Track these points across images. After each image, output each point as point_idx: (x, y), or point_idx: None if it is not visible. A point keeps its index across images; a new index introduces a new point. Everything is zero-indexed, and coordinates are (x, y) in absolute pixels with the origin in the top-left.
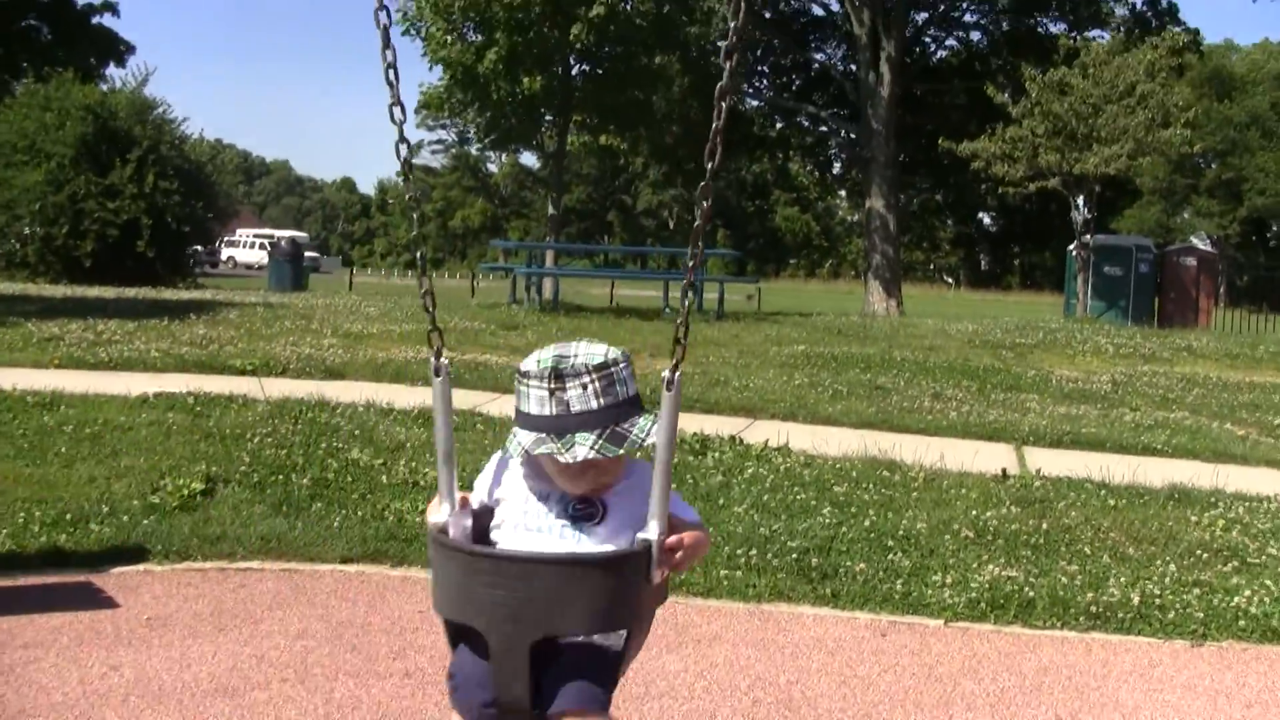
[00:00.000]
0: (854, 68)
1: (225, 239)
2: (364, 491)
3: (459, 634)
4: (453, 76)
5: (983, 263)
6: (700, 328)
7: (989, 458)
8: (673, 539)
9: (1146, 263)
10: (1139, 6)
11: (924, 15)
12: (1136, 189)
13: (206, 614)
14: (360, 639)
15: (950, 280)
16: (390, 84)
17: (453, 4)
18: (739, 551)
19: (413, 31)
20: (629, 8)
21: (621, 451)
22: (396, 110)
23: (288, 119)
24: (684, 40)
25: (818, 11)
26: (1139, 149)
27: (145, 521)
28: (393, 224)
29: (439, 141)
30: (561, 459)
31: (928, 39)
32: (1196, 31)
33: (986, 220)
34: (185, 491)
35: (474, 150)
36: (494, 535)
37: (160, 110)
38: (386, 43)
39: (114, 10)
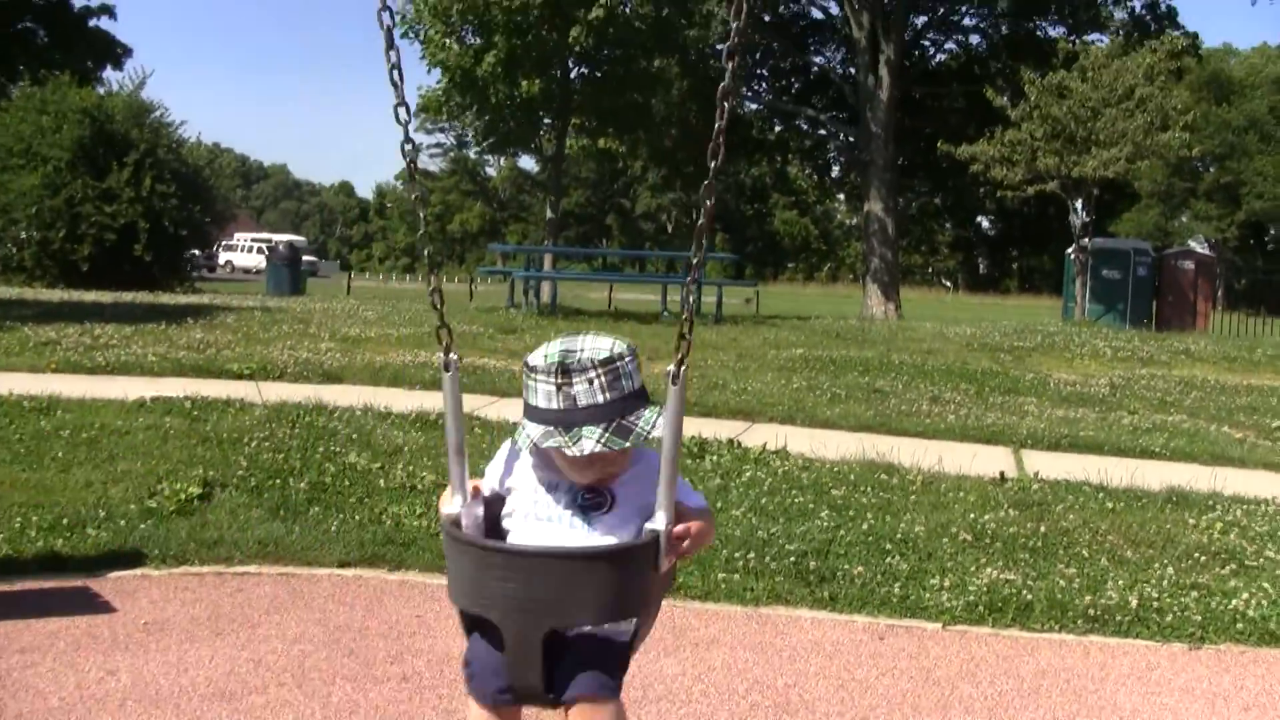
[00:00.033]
0: (853, 71)
1: (223, 243)
2: (361, 495)
3: (474, 623)
4: (451, 80)
5: (981, 266)
6: (698, 331)
7: (987, 461)
8: (679, 528)
9: (1145, 266)
10: (1138, 10)
11: (923, 19)
12: (1135, 192)
13: (203, 618)
14: (358, 643)
15: (948, 284)
16: (395, 85)
17: (451, 7)
18: (737, 555)
19: (411, 34)
20: (628, 10)
21: (627, 445)
22: (401, 111)
23: (286, 123)
24: (683, 43)
25: (817, 15)
26: (1137, 152)
27: (142, 526)
28: (391, 228)
29: (437, 145)
30: (569, 452)
31: (927, 42)
32: (1195, 35)
33: (985, 224)
34: (182, 496)
35: (472, 154)
36: (505, 524)
37: (157, 113)
38: (390, 44)
39: (111, 13)
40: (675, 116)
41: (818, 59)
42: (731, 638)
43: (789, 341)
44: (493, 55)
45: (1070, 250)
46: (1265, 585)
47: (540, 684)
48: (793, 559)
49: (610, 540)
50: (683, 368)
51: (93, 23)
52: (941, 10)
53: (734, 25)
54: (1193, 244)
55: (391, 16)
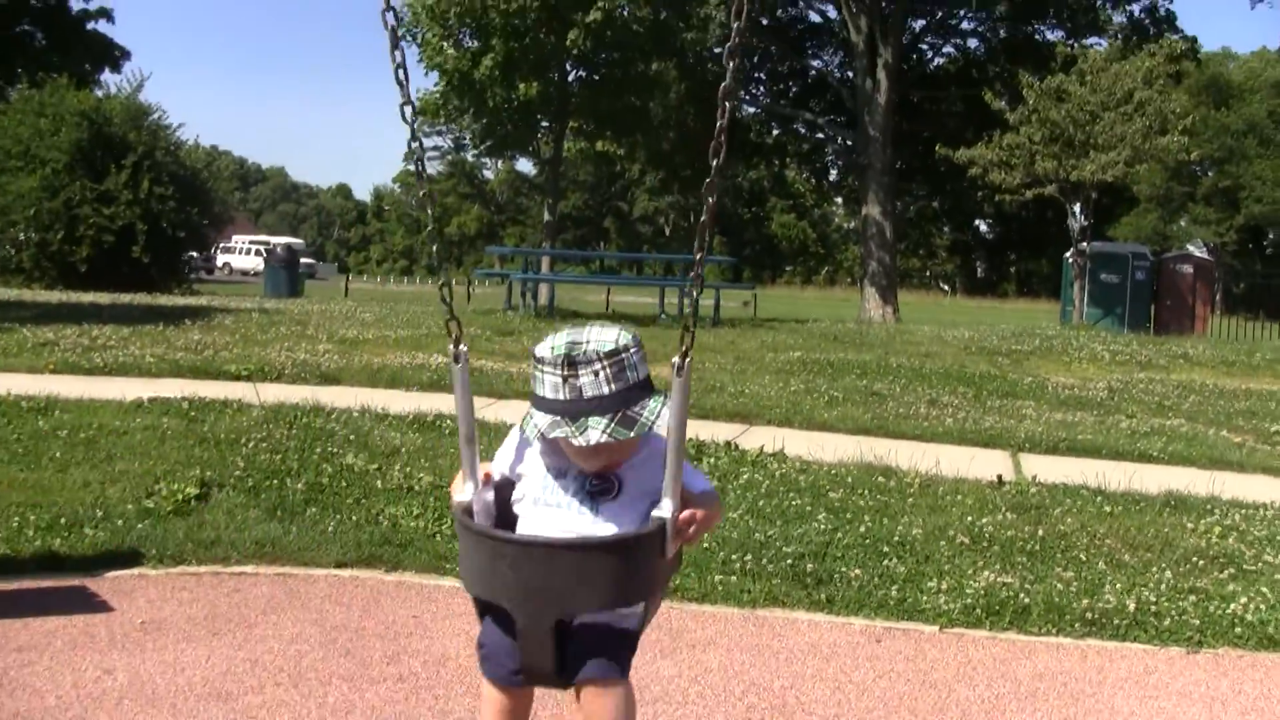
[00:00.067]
0: (851, 75)
1: (221, 245)
2: (358, 496)
3: (486, 607)
4: (449, 83)
5: (979, 270)
6: (696, 334)
7: (985, 464)
8: (685, 515)
9: (1143, 270)
10: (1137, 14)
11: (921, 22)
12: (1133, 196)
13: (200, 618)
14: (354, 643)
15: (946, 287)
16: (400, 84)
17: (449, 10)
18: (734, 557)
19: (409, 38)
20: (625, 13)
21: (632, 435)
22: (408, 110)
23: (284, 126)
24: (681, 46)
25: (815, 18)
26: (1136, 156)
27: (140, 526)
28: (388, 230)
29: (435, 148)
30: (575, 442)
31: (925, 46)
32: (1194, 39)
33: (983, 227)
34: (180, 496)
35: (469, 157)
36: (516, 509)
37: (155, 116)
38: (395, 43)
39: (109, 16)
40: (673, 119)
41: (816, 63)
42: (728, 640)
43: (787, 344)
44: (490, 58)
45: (1068, 254)
46: (1263, 589)
47: (551, 666)
48: (790, 561)
49: (618, 525)
50: (687, 360)
51: (91, 25)
52: (940, 14)
53: (735, 26)
54: (1191, 248)
55: (395, 16)
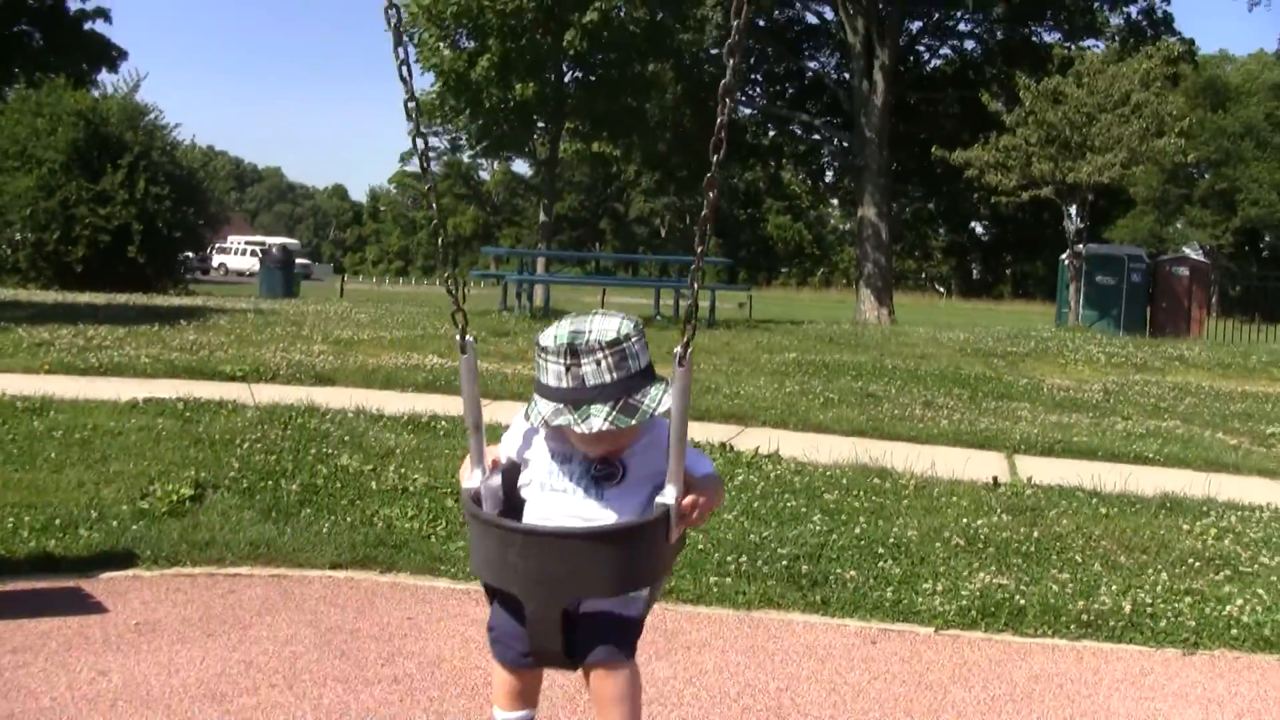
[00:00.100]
0: (847, 76)
1: (217, 246)
2: (353, 497)
3: (496, 591)
4: (445, 84)
5: (974, 272)
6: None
7: (980, 465)
8: (688, 500)
9: (1139, 272)
10: (1134, 16)
11: (918, 24)
12: (1130, 198)
13: (195, 619)
14: (349, 645)
15: (942, 289)
16: (404, 80)
17: (445, 11)
18: (729, 558)
19: (406, 38)
20: (622, 14)
21: (634, 422)
22: (412, 105)
23: (280, 126)
24: (677, 48)
25: (811, 20)
26: (1133, 158)
27: (134, 527)
28: (384, 231)
29: (431, 149)
30: (578, 429)
31: (921, 47)
32: (1191, 41)
33: (979, 229)
34: (175, 497)
35: (465, 158)
36: (523, 493)
37: (152, 116)
38: (398, 40)
39: (106, 16)
40: (669, 121)
41: (812, 64)
42: (723, 641)
43: (782, 346)
44: (486, 59)
45: (1065, 256)
46: (1260, 591)
47: (560, 649)
48: (785, 563)
49: (622, 509)
50: (689, 350)
51: (88, 25)
52: (936, 16)
53: (735, 24)
54: (1187, 250)
55: (398, 13)
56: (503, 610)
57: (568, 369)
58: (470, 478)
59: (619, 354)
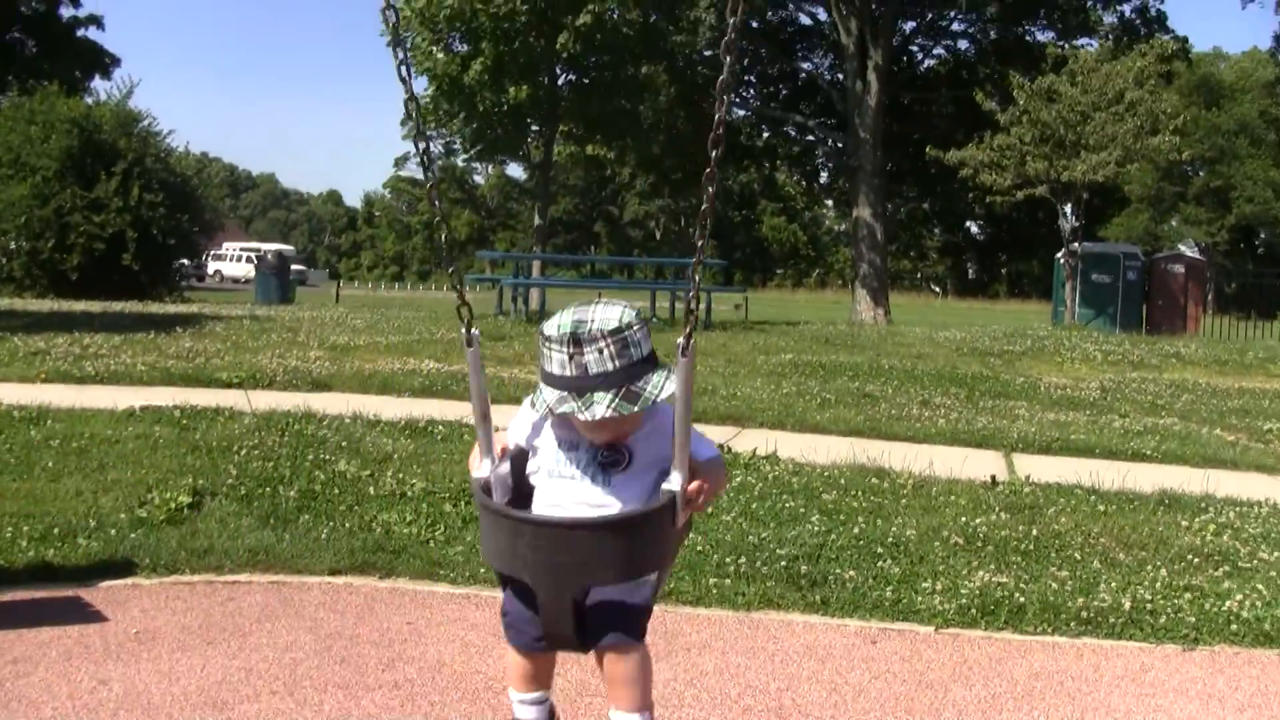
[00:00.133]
0: (841, 77)
1: (212, 253)
2: (351, 503)
3: (508, 577)
4: (439, 88)
5: (970, 271)
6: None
7: (978, 464)
8: (694, 486)
9: (1135, 270)
10: (1127, 14)
11: (911, 24)
12: (1125, 197)
13: (195, 627)
14: (349, 651)
15: (938, 289)
16: (403, 80)
17: (438, 14)
18: (728, 559)
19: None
20: (615, 17)
21: (636, 409)
22: (412, 105)
23: (274, 132)
24: (670, 49)
25: (805, 21)
26: (1127, 156)
27: (133, 535)
28: (379, 236)
29: (420, 157)
30: (582, 417)
31: (915, 48)
32: (1185, 39)
33: (974, 229)
34: (172, 505)
35: (460, 162)
36: (532, 480)
37: (145, 123)
38: (397, 40)
39: (99, 23)
40: (663, 123)
41: (806, 65)
42: (723, 643)
43: (778, 347)
44: (479, 62)
45: (1060, 255)
46: (1259, 586)
47: (572, 634)
48: (784, 563)
49: (629, 494)
50: (691, 341)
51: (80, 33)
52: (930, 15)
53: (731, 21)
54: (1183, 248)
55: (396, 14)
56: (515, 597)
57: (571, 357)
58: (479, 467)
59: (621, 342)
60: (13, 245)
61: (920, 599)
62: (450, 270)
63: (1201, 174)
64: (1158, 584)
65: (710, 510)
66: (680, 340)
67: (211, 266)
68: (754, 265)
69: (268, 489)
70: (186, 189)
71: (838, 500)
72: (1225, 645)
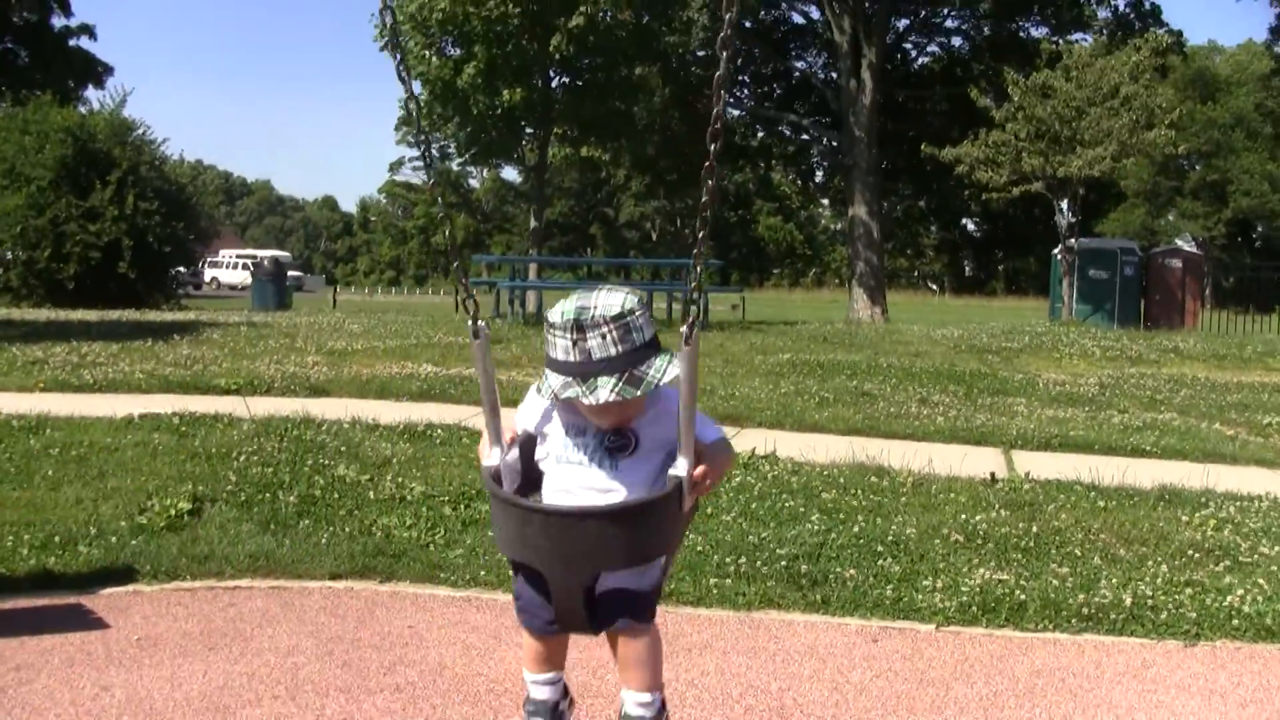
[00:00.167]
0: (835, 75)
1: (208, 260)
2: (351, 508)
3: (519, 563)
4: (432, 91)
5: (967, 268)
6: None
7: (977, 461)
8: (699, 471)
9: (1132, 265)
10: (1121, 8)
11: (905, 21)
12: (1121, 192)
13: (196, 633)
14: (350, 655)
15: (934, 286)
16: (402, 79)
17: (430, 18)
18: (728, 560)
19: (391, 48)
20: (608, 18)
21: (639, 393)
22: (412, 104)
23: (268, 139)
24: (664, 50)
25: (798, 19)
26: (1123, 151)
27: (133, 542)
28: (375, 241)
29: (420, 157)
30: (586, 401)
31: (909, 45)
32: (1180, 33)
33: (970, 226)
34: (173, 511)
35: (455, 166)
36: (541, 467)
37: (139, 132)
38: (396, 42)
39: (91, 33)
40: (657, 124)
41: (799, 64)
42: (724, 643)
43: (776, 346)
44: (473, 66)
45: (1057, 251)
46: (1260, 581)
47: (583, 617)
48: (784, 563)
49: (636, 478)
50: (695, 331)
51: (73, 42)
52: (923, 13)
53: (727, 17)
54: (1180, 242)
55: (393, 15)
56: (526, 582)
57: (574, 343)
58: (489, 455)
59: (623, 328)
60: (9, 255)
61: (921, 597)
62: (455, 264)
63: (1198, 168)
64: (1158, 580)
65: (710, 511)
66: (684, 329)
67: (208, 274)
68: (750, 265)
69: (267, 494)
70: (181, 197)
71: (837, 499)
72: (1227, 640)
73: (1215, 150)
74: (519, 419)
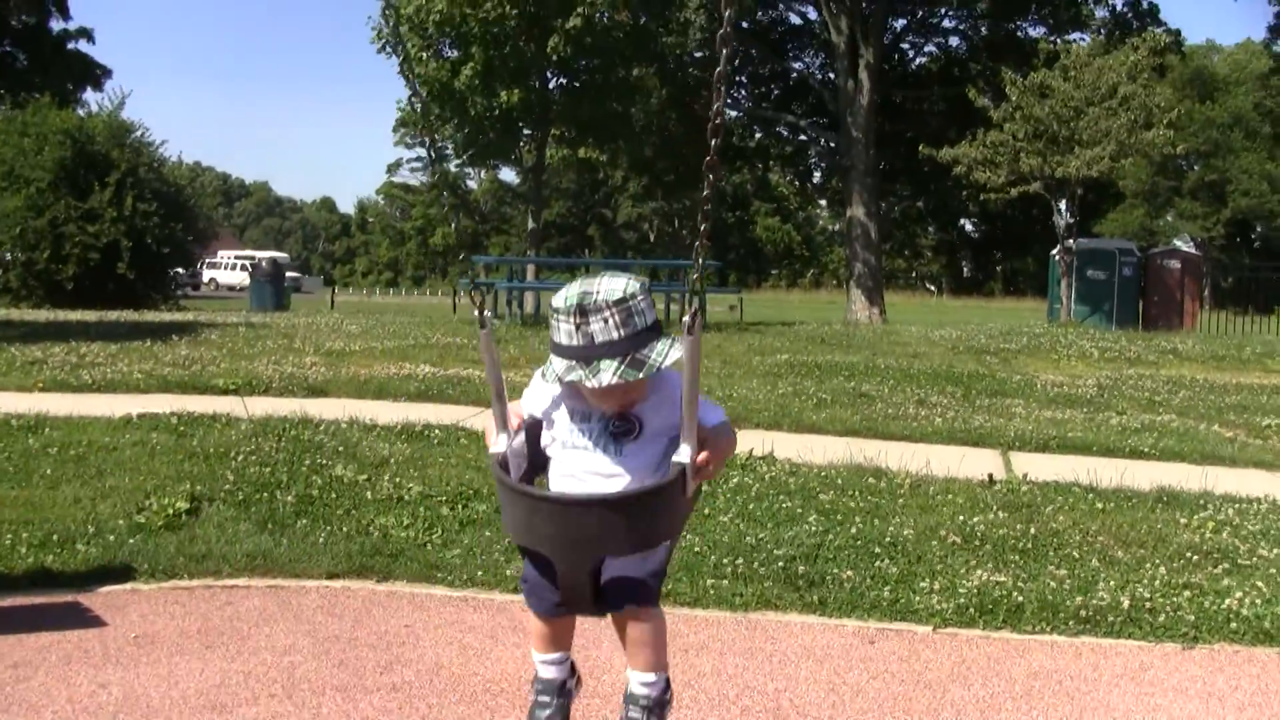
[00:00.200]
0: (832, 76)
1: (206, 261)
2: (348, 507)
3: (526, 548)
4: (429, 93)
5: (965, 269)
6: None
7: (975, 463)
8: (702, 456)
9: (1130, 266)
10: (1119, 8)
11: (902, 21)
12: (1119, 192)
13: (194, 631)
14: (347, 654)
15: (932, 287)
16: (406, 77)
17: (428, 20)
18: (725, 560)
19: (388, 50)
20: (606, 19)
21: (641, 376)
22: (416, 103)
23: (266, 141)
24: (661, 51)
25: (795, 20)
26: (1121, 151)
27: (131, 541)
28: (373, 243)
29: (418, 159)
30: (589, 384)
31: (906, 45)
32: (1178, 32)
33: (968, 226)
34: (170, 510)
35: (452, 167)
36: (547, 451)
37: (138, 133)
38: (398, 39)
39: (89, 36)
40: (655, 125)
41: (797, 64)
42: (721, 644)
43: (774, 347)
44: (470, 67)
45: (1055, 251)
46: (1259, 584)
47: (590, 600)
48: (781, 564)
49: (640, 462)
50: (697, 319)
51: (71, 45)
52: (921, 13)
53: (727, 14)
54: (1179, 243)
55: (396, 12)
56: (534, 565)
57: (578, 327)
58: (496, 442)
59: (625, 311)
60: (8, 256)
61: (918, 598)
62: (461, 258)
63: (1196, 168)
64: (1156, 582)
65: (707, 512)
66: (685, 319)
67: (206, 275)
68: (748, 266)
69: (265, 494)
70: (180, 198)
71: (835, 500)
72: (1225, 643)
73: (1214, 150)
74: (525, 404)
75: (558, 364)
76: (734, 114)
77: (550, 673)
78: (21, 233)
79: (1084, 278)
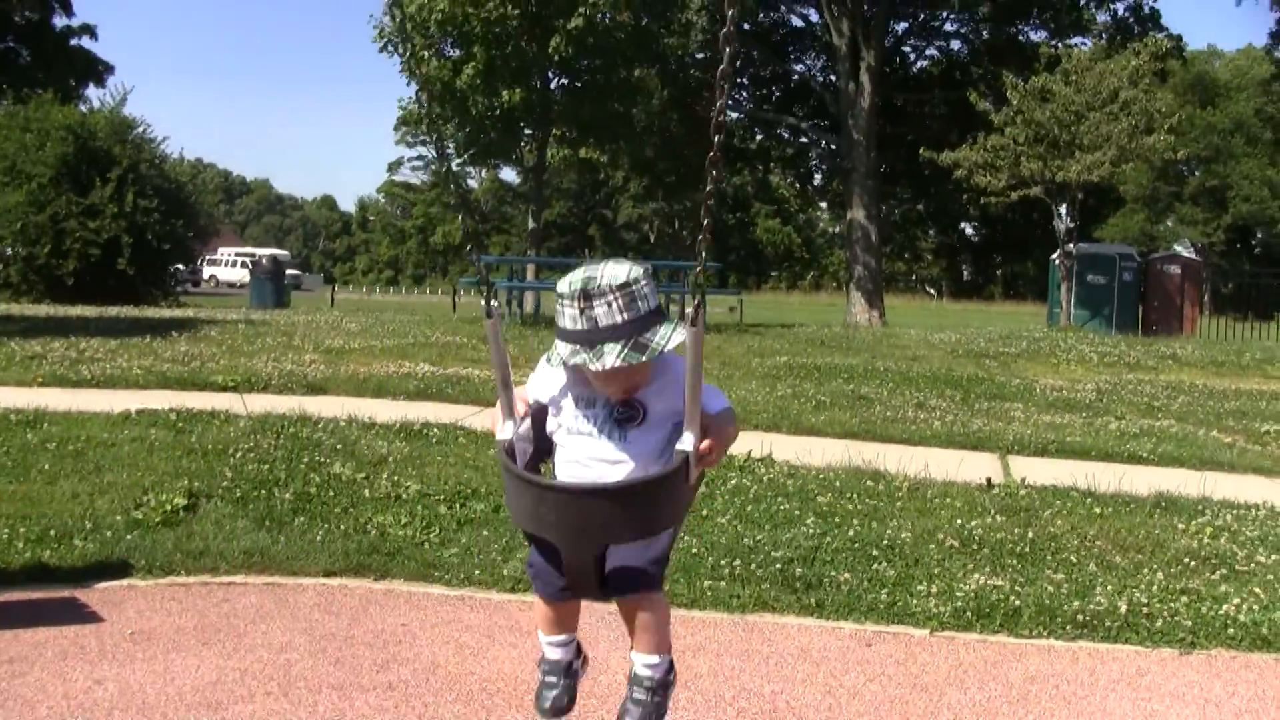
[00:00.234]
0: (834, 78)
1: (207, 258)
2: (346, 505)
3: (532, 534)
4: (430, 92)
5: (965, 273)
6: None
7: (974, 467)
8: (704, 445)
9: (1130, 271)
10: (1121, 13)
11: (904, 25)
12: (1120, 197)
13: (190, 628)
14: (344, 652)
15: (932, 291)
16: (413, 72)
17: (429, 19)
18: (723, 562)
19: (390, 49)
20: (607, 20)
21: (644, 359)
22: (424, 96)
23: (268, 138)
24: (663, 52)
25: (797, 22)
26: (1122, 156)
27: (129, 537)
28: (373, 241)
29: (419, 158)
30: (593, 367)
31: (908, 48)
32: (1179, 37)
33: (969, 230)
34: (168, 507)
35: (454, 166)
36: (553, 437)
37: (140, 130)
38: (404, 36)
39: (92, 32)
40: (656, 126)
41: (798, 67)
42: (718, 645)
43: (773, 349)
44: (471, 67)
45: (1055, 256)
46: (1256, 590)
47: (595, 585)
48: (779, 566)
49: (644, 447)
50: (701, 312)
51: (74, 41)
52: (922, 16)
53: (730, 13)
54: (1179, 248)
55: (402, 12)
56: (540, 551)
57: (582, 311)
58: (502, 429)
59: (629, 296)
60: (9, 251)
61: (915, 602)
62: (468, 249)
63: (1197, 173)
64: (1154, 587)
65: (705, 513)
66: (689, 311)
67: (206, 271)
68: (748, 268)
69: (263, 491)
70: (181, 195)
71: (833, 503)
72: (1222, 649)
73: (1215, 155)
74: (530, 389)
75: (562, 348)
76: (735, 115)
77: (556, 654)
78: (23, 228)
79: (1084, 282)
